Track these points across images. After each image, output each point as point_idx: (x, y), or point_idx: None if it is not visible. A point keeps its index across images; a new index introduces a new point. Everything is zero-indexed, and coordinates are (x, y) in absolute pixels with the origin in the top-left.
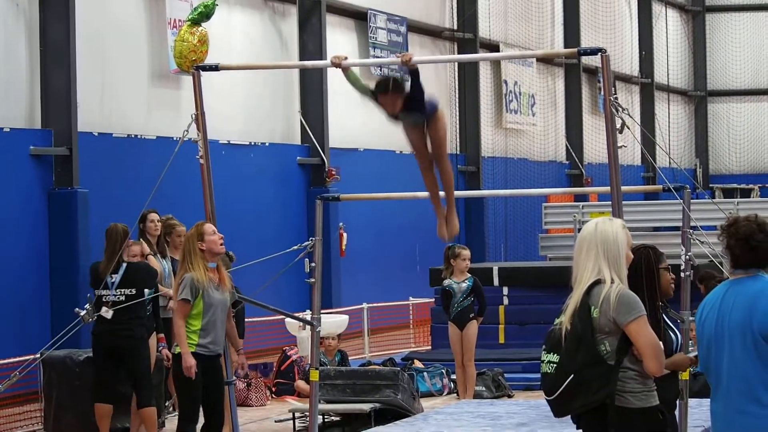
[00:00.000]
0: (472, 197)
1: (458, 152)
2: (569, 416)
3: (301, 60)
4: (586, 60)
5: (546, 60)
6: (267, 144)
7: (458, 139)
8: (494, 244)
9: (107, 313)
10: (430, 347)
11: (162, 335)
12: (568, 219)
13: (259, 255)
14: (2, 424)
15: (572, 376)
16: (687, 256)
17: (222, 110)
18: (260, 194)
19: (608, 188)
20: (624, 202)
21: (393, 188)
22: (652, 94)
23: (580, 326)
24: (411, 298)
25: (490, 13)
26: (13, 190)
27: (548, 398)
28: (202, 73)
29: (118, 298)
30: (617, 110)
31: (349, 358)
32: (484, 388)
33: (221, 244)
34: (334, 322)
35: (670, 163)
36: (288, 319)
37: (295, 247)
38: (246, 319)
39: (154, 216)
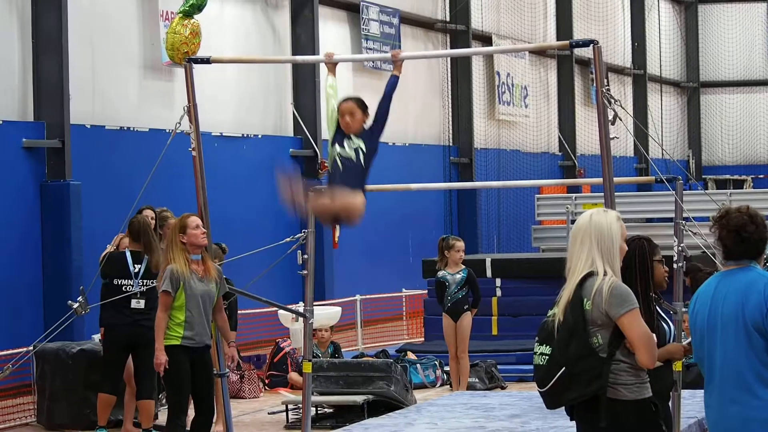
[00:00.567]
0: (464, 189)
1: (451, 144)
2: (562, 408)
3: (293, 52)
4: (578, 51)
5: (539, 52)
6: (260, 136)
7: (451, 131)
8: (487, 235)
9: (139, 303)
10: (423, 339)
11: None
12: (560, 210)
13: (252, 247)
14: None
15: (564, 368)
16: (680, 248)
17: (214, 102)
18: (253, 186)
19: (601, 179)
20: (617, 194)
21: (386, 180)
22: (644, 85)
23: (572, 318)
24: (404, 290)
25: (482, 4)
26: (5, 182)
27: (541, 390)
28: (194, 65)
29: (142, 288)
30: (610, 102)
31: (342, 350)
32: (477, 380)
33: (203, 238)
34: (327, 313)
35: (662, 154)
36: (281, 311)
37: (288, 239)
38: (239, 311)
39: (148, 212)
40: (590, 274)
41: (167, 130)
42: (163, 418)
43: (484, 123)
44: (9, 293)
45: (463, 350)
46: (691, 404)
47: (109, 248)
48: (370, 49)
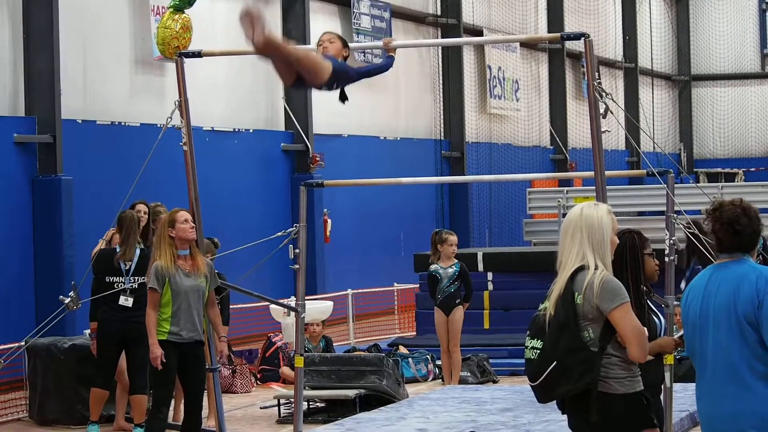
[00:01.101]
0: (456, 183)
1: (442, 138)
2: (554, 401)
3: None
4: (569, 45)
5: (530, 45)
6: (251, 130)
7: (442, 125)
8: (479, 229)
9: (127, 301)
10: (415, 333)
11: None
12: (552, 204)
13: (244, 241)
14: None
15: (556, 362)
16: (671, 241)
17: (206, 97)
18: (244, 181)
19: (592, 173)
20: (608, 187)
21: (377, 174)
22: (636, 78)
23: (563, 313)
24: (396, 284)
25: None
26: None
27: (532, 384)
28: (185, 59)
29: (133, 285)
30: (601, 95)
31: (334, 344)
32: (469, 374)
33: (191, 232)
34: (318, 308)
35: (654, 147)
36: (273, 306)
37: (280, 234)
38: (230, 306)
39: (141, 207)
40: (581, 268)
41: (158, 125)
42: None
43: (475, 117)
44: (0, 288)
45: (455, 344)
46: (684, 397)
47: (101, 243)
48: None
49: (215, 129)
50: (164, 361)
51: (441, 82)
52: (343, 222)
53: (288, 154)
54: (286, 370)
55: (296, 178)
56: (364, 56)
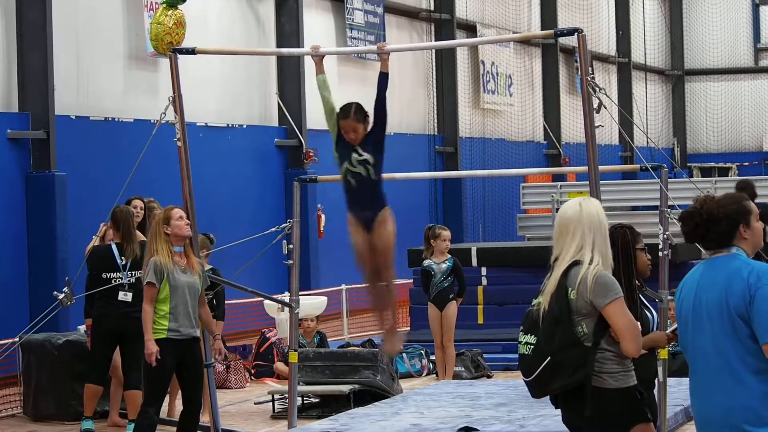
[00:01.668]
0: (450, 178)
1: (436, 133)
2: (548, 396)
3: (278, 42)
4: (563, 40)
5: (523, 40)
6: (244, 126)
7: (436, 120)
8: (472, 224)
9: (126, 296)
10: (408, 328)
11: None
12: (546, 199)
13: (237, 237)
14: None
15: (549, 357)
16: (665, 236)
17: (199, 92)
18: (238, 176)
19: (586, 168)
20: (602, 182)
21: None
22: (629, 73)
23: (557, 308)
24: None
25: None
26: None
27: (526, 379)
28: (179, 55)
29: (130, 280)
30: (594, 90)
31: (328, 339)
32: (463, 369)
33: (187, 229)
34: (312, 303)
35: (647, 142)
36: (267, 301)
37: (273, 229)
38: (225, 302)
39: (137, 202)
40: (575, 263)
41: (152, 121)
42: None
43: (469, 112)
44: None
45: (448, 339)
46: (677, 392)
47: (95, 239)
48: (355, 38)
49: (209, 124)
50: (159, 358)
51: (434, 77)
52: (337, 217)
53: (282, 149)
54: (280, 366)
55: (290, 174)
56: (357, 55)
